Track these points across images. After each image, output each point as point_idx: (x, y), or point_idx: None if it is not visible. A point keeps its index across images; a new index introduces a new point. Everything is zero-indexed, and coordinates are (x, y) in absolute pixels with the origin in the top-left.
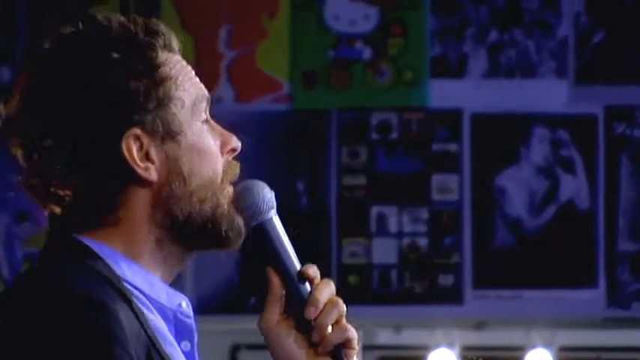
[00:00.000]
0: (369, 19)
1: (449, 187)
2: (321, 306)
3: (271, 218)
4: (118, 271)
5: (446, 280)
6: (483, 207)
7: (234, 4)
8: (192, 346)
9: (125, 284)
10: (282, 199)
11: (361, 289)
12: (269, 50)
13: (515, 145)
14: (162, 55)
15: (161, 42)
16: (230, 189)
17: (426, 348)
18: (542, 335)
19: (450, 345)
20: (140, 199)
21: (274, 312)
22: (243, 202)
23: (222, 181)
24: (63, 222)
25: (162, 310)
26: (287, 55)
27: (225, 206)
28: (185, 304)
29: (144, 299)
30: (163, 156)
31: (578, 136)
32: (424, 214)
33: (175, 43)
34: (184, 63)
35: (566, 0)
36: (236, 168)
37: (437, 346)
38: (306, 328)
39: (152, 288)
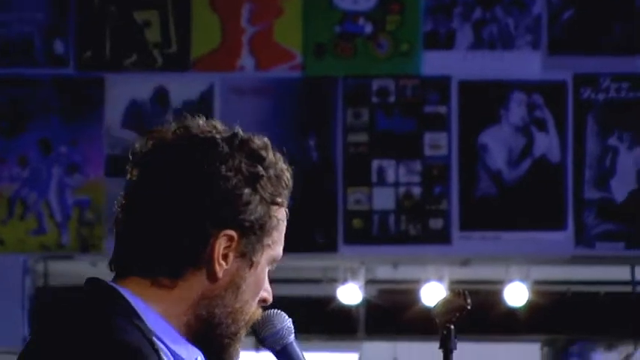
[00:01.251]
0: None
1: (439, 143)
2: None
3: (292, 342)
4: (150, 324)
5: (436, 223)
6: (469, 161)
7: None
8: None
9: (154, 338)
10: (296, 153)
11: (364, 232)
12: (285, 26)
13: (496, 108)
14: (283, 199)
15: (287, 189)
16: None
17: (419, 282)
18: (518, 271)
19: (440, 279)
20: (199, 285)
21: None
22: (271, 329)
23: (249, 320)
24: (141, 255)
25: None
26: (300, 29)
27: (239, 339)
28: (200, 359)
29: (168, 353)
30: (235, 267)
31: (550, 99)
32: (418, 166)
33: (286, 198)
34: (285, 224)
35: None
36: (257, 314)
37: (428, 280)
38: None
39: (176, 343)
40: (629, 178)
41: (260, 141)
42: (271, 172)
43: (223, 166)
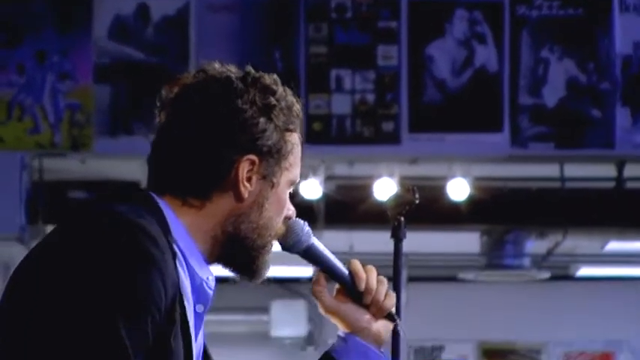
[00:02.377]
0: None
1: (390, 55)
2: (365, 278)
3: (313, 242)
4: (174, 234)
5: (387, 126)
6: (417, 70)
7: None
8: (204, 309)
9: (174, 245)
10: (263, 63)
11: (323, 134)
12: None
13: (441, 23)
14: (296, 127)
15: (299, 119)
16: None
17: (372, 178)
18: (460, 168)
19: (391, 176)
20: (226, 205)
21: (326, 296)
22: (294, 237)
23: (274, 236)
24: (172, 179)
25: (192, 276)
26: None
27: (267, 255)
28: (211, 279)
29: (183, 262)
30: (258, 188)
31: (489, 16)
32: (371, 75)
33: (301, 129)
34: (300, 146)
35: None
36: (281, 230)
37: (380, 176)
38: (359, 301)
39: (192, 257)
40: (558, 86)
41: (270, 77)
42: (282, 103)
43: (239, 100)
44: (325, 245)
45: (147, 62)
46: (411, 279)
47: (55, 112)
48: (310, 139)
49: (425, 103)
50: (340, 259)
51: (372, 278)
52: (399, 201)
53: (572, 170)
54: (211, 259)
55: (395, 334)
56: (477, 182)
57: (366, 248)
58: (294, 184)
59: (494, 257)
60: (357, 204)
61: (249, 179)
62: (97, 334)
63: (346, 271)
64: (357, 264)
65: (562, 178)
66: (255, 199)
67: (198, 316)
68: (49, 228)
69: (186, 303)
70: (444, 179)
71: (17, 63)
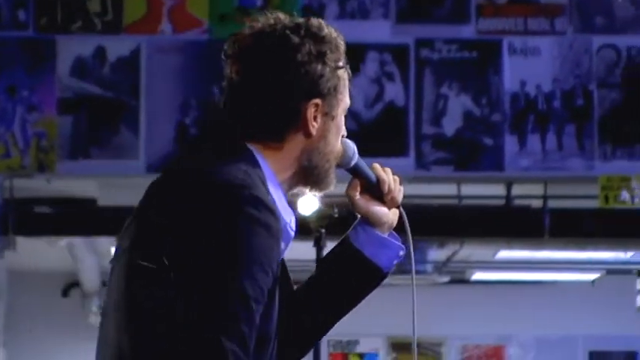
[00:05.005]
0: None
1: None
2: (388, 181)
3: (358, 159)
4: (265, 180)
5: None
6: None
7: None
8: (285, 247)
9: (270, 190)
10: (203, 97)
11: None
12: (195, 0)
13: (356, 63)
14: (343, 61)
15: (343, 51)
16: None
17: (297, 195)
18: None
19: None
20: (300, 142)
21: (358, 196)
22: (346, 157)
23: (338, 154)
24: (252, 132)
25: (280, 219)
26: (207, 3)
27: (333, 171)
28: (293, 220)
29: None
30: (323, 124)
31: (397, 57)
32: None
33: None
34: (347, 78)
35: None
36: (340, 148)
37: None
38: (381, 199)
39: (280, 200)
40: (456, 117)
41: (316, 22)
42: (332, 45)
43: (299, 54)
44: None
45: (103, 96)
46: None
47: (24, 139)
48: None
49: None
50: None
51: (391, 179)
52: (320, 215)
53: (468, 189)
54: (290, 189)
55: (401, 218)
56: None
57: (291, 256)
58: (346, 109)
59: (402, 263)
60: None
61: (315, 119)
62: (237, 277)
63: (374, 177)
64: (379, 169)
65: (459, 196)
66: (322, 134)
67: (282, 253)
68: (19, 238)
69: (282, 246)
70: None
71: None
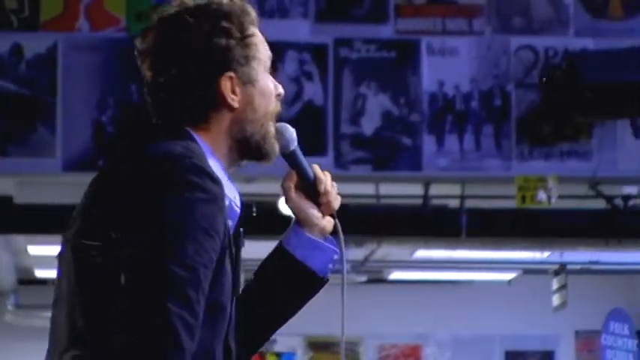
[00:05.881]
0: None
1: None
2: (325, 182)
3: (297, 147)
4: (209, 161)
5: None
6: None
7: None
8: (233, 224)
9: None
10: (120, 96)
11: None
12: None
13: (274, 62)
14: (251, 28)
15: (251, 19)
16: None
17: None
18: None
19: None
20: (226, 117)
21: (293, 191)
22: (284, 137)
23: (272, 115)
24: (180, 117)
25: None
26: (123, 2)
27: (271, 133)
28: (237, 197)
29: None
30: (244, 93)
31: (316, 57)
32: None
33: (257, 21)
34: (260, 35)
35: None
36: (279, 106)
37: None
38: (315, 199)
39: (225, 179)
40: (375, 117)
41: (216, 1)
42: (234, 18)
43: (199, 35)
44: None
45: (20, 94)
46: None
47: None
48: None
49: None
50: None
51: (329, 182)
52: (279, 245)
53: (386, 189)
54: (233, 164)
55: (336, 228)
56: None
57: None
58: (269, 62)
59: None
60: (265, 216)
61: (233, 91)
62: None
63: (312, 174)
64: (318, 169)
65: (377, 196)
66: (246, 102)
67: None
68: None
69: (230, 223)
70: (277, 196)
71: None
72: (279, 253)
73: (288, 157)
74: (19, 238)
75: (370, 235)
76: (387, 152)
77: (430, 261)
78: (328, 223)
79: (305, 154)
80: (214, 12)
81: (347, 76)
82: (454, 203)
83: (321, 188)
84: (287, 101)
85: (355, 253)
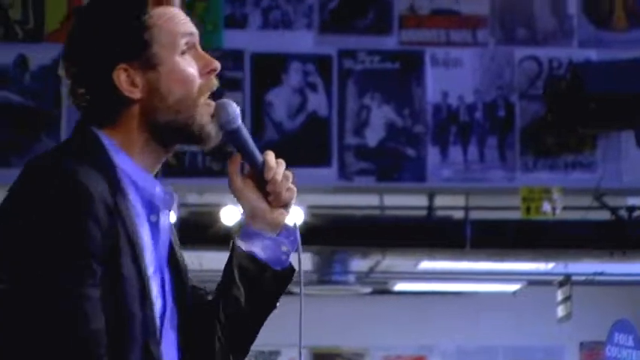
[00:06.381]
0: None
1: (236, 100)
2: (274, 170)
3: (240, 125)
4: (115, 160)
5: None
6: (258, 114)
7: None
8: (157, 218)
9: (118, 170)
10: None
11: (177, 168)
12: None
13: (279, 74)
14: (152, 10)
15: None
16: (209, 102)
17: (219, 206)
18: (295, 198)
19: (236, 204)
20: (133, 111)
21: (238, 176)
22: (224, 115)
23: (198, 96)
24: (87, 117)
25: (141, 192)
26: None
27: (198, 115)
28: (158, 189)
29: (129, 182)
30: (146, 82)
31: (320, 68)
32: None
33: None
34: (172, 11)
35: None
36: (212, 82)
37: (226, 204)
38: (264, 189)
39: (137, 175)
40: (379, 128)
41: None
42: (118, 3)
43: (89, 30)
44: None
45: (24, 105)
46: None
47: None
48: (167, 173)
49: (265, 141)
50: (191, 277)
51: (279, 170)
52: (232, 243)
53: (391, 200)
54: (162, 155)
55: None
56: (310, 210)
57: (214, 266)
58: (187, 42)
59: (324, 274)
60: (206, 228)
61: (133, 82)
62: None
63: (261, 160)
64: (271, 154)
65: (382, 207)
66: (151, 90)
67: (154, 225)
68: None
69: (135, 219)
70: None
71: None
72: (232, 249)
73: (230, 136)
74: None
75: (375, 247)
76: (392, 163)
77: (435, 272)
78: (280, 215)
79: (309, 164)
80: (96, 7)
81: (351, 87)
82: (458, 214)
83: (268, 176)
84: (291, 112)
85: (360, 265)
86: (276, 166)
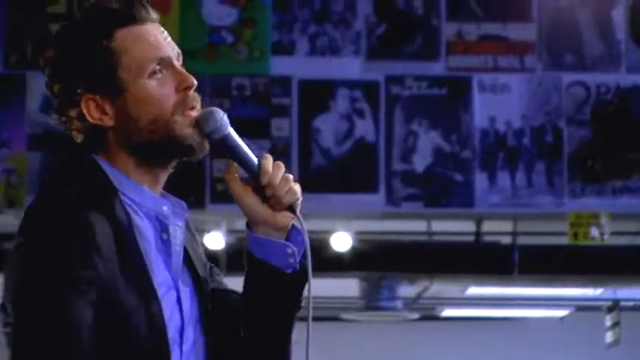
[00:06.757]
0: (231, 16)
1: (283, 126)
2: (270, 174)
3: (229, 132)
4: (117, 185)
5: None
6: (305, 140)
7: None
8: (168, 236)
9: (121, 195)
10: None
11: (226, 194)
12: None
13: (326, 100)
14: (117, 32)
15: (120, 21)
16: (191, 113)
17: None
18: (342, 224)
19: None
20: (111, 138)
21: (235, 183)
22: (207, 125)
23: (172, 113)
24: (80, 143)
25: (147, 214)
26: (177, 39)
27: (177, 129)
28: (165, 209)
29: (134, 206)
30: (115, 108)
31: (367, 94)
32: (267, 144)
33: (142, 14)
34: (142, 32)
35: (360, 4)
36: (190, 99)
37: None
38: (263, 194)
39: (142, 196)
40: (426, 154)
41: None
42: (91, 25)
43: (57, 59)
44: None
45: None
46: (301, 319)
47: None
48: (214, 198)
49: (312, 168)
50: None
51: (276, 174)
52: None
53: (438, 225)
54: (160, 172)
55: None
56: (357, 235)
57: None
58: (159, 63)
59: (372, 300)
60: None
61: (102, 111)
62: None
63: (256, 164)
64: (267, 158)
65: (429, 232)
66: (121, 116)
67: (166, 243)
68: None
69: (141, 242)
70: (329, 232)
71: None
72: (246, 257)
73: (220, 145)
74: None
75: (422, 272)
76: (439, 189)
77: (482, 298)
78: (283, 218)
79: (356, 190)
80: (72, 26)
81: (398, 113)
82: (506, 240)
83: (264, 180)
84: (338, 138)
85: (407, 290)
86: (271, 170)
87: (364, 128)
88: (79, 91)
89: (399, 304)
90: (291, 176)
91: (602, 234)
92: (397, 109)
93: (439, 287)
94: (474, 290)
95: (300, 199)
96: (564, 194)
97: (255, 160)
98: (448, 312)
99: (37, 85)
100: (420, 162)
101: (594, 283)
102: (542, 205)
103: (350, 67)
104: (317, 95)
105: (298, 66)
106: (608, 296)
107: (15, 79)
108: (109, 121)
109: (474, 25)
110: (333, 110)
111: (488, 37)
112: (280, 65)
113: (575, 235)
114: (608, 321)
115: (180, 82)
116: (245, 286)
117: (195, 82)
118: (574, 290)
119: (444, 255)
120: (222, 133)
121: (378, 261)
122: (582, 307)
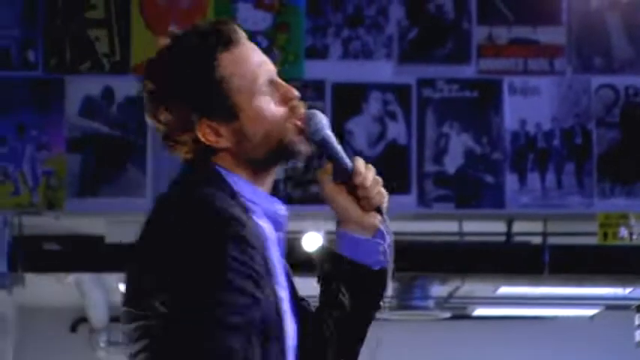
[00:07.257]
0: (265, 21)
1: None
2: (363, 175)
3: (328, 134)
4: (236, 189)
5: (314, 189)
6: (339, 142)
7: (178, 10)
8: (282, 234)
9: (241, 198)
10: None
11: None
12: None
13: (359, 103)
14: (221, 57)
15: (220, 46)
16: (294, 121)
17: (301, 232)
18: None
19: (318, 230)
20: (227, 157)
21: (329, 183)
22: (309, 127)
23: (283, 124)
24: (201, 153)
25: (266, 213)
26: None
27: (288, 138)
28: (280, 206)
29: (254, 207)
30: (230, 130)
31: (399, 97)
32: None
33: (237, 35)
34: (242, 53)
35: (392, 9)
36: (299, 108)
37: (308, 231)
38: (355, 194)
39: (259, 198)
40: (458, 156)
41: (173, 37)
42: (198, 52)
43: (164, 88)
44: None
45: (111, 135)
46: None
47: (33, 178)
48: None
49: None
50: None
51: (368, 175)
52: (324, 252)
53: (469, 226)
54: (268, 180)
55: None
56: (394, 236)
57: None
58: (259, 79)
59: (405, 299)
60: (288, 255)
61: (216, 133)
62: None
63: (350, 165)
64: (359, 160)
65: (461, 233)
66: (237, 135)
67: (280, 242)
68: (28, 275)
69: (269, 245)
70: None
71: (0, 135)
72: (331, 257)
73: (319, 145)
74: (110, 277)
75: (454, 272)
76: (470, 190)
77: (513, 297)
78: (373, 218)
79: (389, 191)
80: (175, 55)
81: (430, 115)
82: (537, 240)
83: (357, 181)
84: (371, 141)
85: (439, 290)
86: (365, 171)
87: (396, 131)
88: (193, 118)
89: (431, 303)
90: (380, 179)
91: (631, 234)
92: (429, 112)
93: (470, 287)
94: (504, 290)
95: (386, 200)
96: (594, 195)
97: (349, 161)
98: (479, 311)
99: (75, 89)
100: (452, 164)
101: (623, 283)
102: (572, 206)
103: (382, 70)
104: (350, 98)
105: (331, 70)
106: (638, 295)
107: (54, 83)
108: (225, 143)
109: (505, 28)
110: (365, 113)
111: (518, 41)
112: (314, 69)
113: (605, 236)
114: (638, 320)
115: (285, 94)
116: (329, 283)
117: (298, 93)
118: (603, 289)
119: (475, 255)
120: (322, 135)
121: (410, 261)
122: (612, 306)
